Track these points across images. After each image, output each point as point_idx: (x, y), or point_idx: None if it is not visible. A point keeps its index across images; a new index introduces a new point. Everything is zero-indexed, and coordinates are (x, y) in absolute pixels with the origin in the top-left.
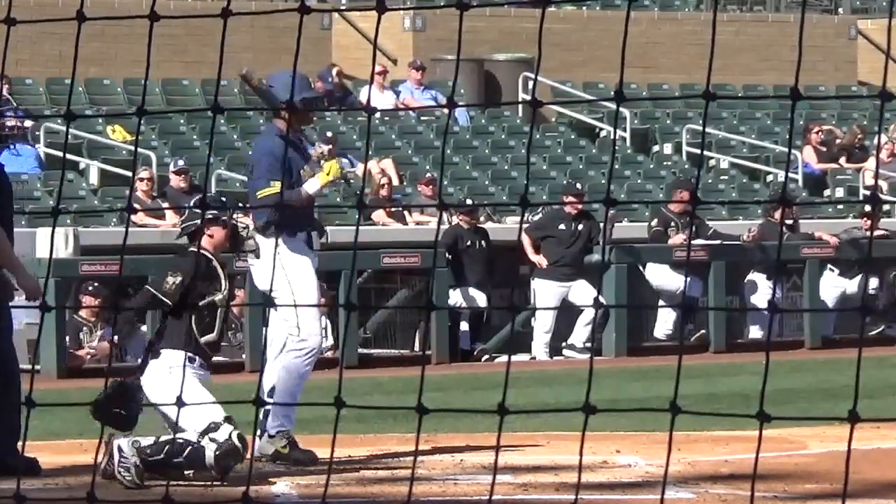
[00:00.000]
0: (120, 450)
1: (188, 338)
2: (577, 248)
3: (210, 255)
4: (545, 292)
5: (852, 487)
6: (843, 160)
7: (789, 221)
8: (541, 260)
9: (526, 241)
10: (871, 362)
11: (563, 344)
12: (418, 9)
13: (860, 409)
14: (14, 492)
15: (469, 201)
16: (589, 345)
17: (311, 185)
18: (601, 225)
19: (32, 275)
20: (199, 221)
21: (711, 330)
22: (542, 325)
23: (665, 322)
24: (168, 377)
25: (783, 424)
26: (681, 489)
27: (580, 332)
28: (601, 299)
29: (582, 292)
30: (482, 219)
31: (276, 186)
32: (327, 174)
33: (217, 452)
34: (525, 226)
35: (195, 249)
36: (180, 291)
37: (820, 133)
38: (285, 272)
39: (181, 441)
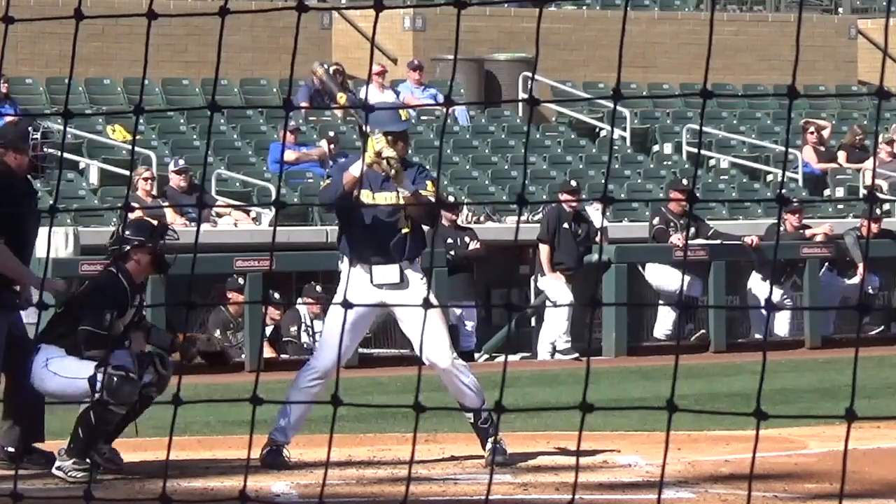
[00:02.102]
0: (59, 468)
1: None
2: (579, 248)
3: (125, 283)
4: (559, 291)
5: (853, 487)
6: (842, 160)
7: (795, 221)
8: (557, 277)
9: (544, 253)
10: (871, 362)
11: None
12: (417, 7)
13: (860, 409)
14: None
15: (451, 198)
16: (568, 345)
17: (354, 168)
18: (597, 225)
19: (52, 279)
20: (125, 246)
21: (711, 330)
22: (559, 325)
23: (665, 322)
24: (45, 369)
25: (783, 424)
26: (681, 489)
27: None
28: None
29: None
30: (482, 218)
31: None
32: (371, 155)
33: (104, 392)
34: (528, 227)
35: (114, 271)
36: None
37: (815, 133)
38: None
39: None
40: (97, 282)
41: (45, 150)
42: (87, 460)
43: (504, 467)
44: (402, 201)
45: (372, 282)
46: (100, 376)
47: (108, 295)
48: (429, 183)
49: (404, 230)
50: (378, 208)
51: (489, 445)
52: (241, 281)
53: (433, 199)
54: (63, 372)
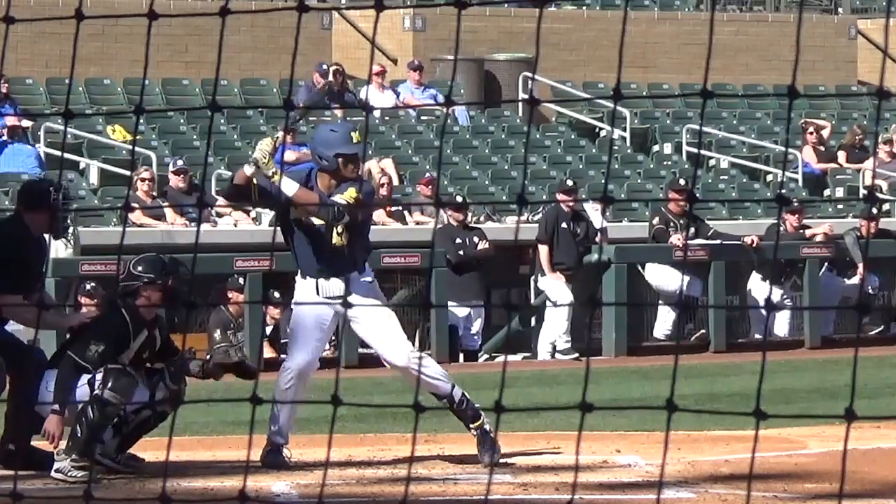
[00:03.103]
0: (58, 470)
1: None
2: (579, 248)
3: (128, 319)
4: (559, 291)
5: (852, 487)
6: (842, 160)
7: (795, 221)
8: (557, 277)
9: (543, 253)
10: (871, 362)
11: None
12: (417, 7)
13: (860, 409)
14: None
15: (459, 198)
16: (568, 345)
17: (246, 167)
18: (595, 225)
19: (66, 314)
20: (136, 283)
21: (711, 330)
22: (559, 325)
23: (665, 322)
24: (48, 392)
25: (782, 424)
26: (681, 489)
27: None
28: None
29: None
30: (482, 218)
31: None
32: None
33: (102, 388)
34: (528, 227)
35: (119, 305)
36: (102, 358)
37: (814, 133)
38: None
39: (82, 412)
40: (102, 314)
41: (64, 211)
42: (87, 459)
43: (502, 466)
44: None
45: (318, 294)
46: (98, 375)
47: (103, 329)
48: (351, 189)
49: (336, 243)
50: (306, 221)
51: (473, 431)
52: (241, 280)
53: (348, 202)
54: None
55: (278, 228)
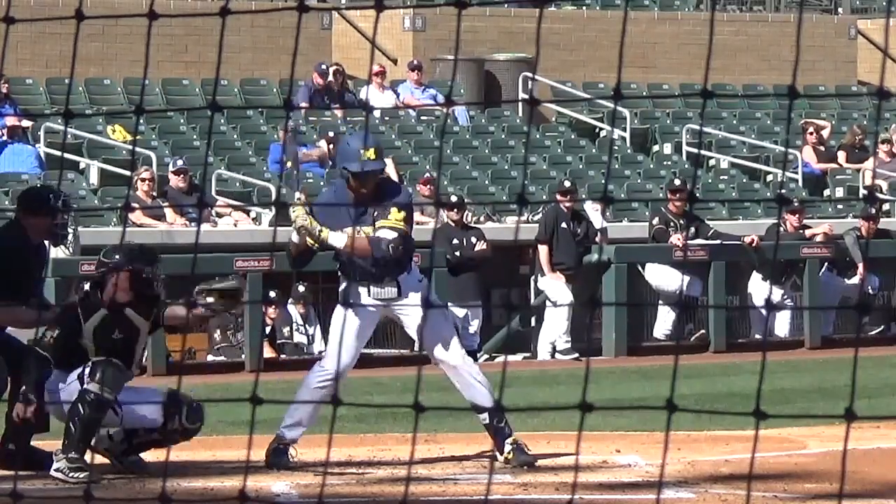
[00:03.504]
0: (58, 470)
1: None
2: (578, 248)
3: (80, 314)
4: (559, 291)
5: (852, 487)
6: (842, 160)
7: (795, 221)
8: (557, 277)
9: (543, 253)
10: (871, 362)
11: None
12: (418, 7)
13: (860, 409)
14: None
15: (454, 198)
16: (568, 346)
17: (294, 236)
18: (595, 225)
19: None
20: (104, 271)
21: (711, 330)
22: (559, 325)
23: (665, 322)
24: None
25: (782, 424)
26: (681, 489)
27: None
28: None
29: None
30: (482, 218)
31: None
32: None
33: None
34: (528, 227)
35: (81, 297)
36: (60, 342)
37: (814, 134)
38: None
39: (74, 409)
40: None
41: (64, 217)
42: (84, 458)
43: (531, 467)
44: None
45: (369, 296)
46: (87, 369)
47: (59, 321)
48: (393, 210)
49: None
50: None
51: (508, 447)
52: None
53: (397, 228)
54: (59, 390)
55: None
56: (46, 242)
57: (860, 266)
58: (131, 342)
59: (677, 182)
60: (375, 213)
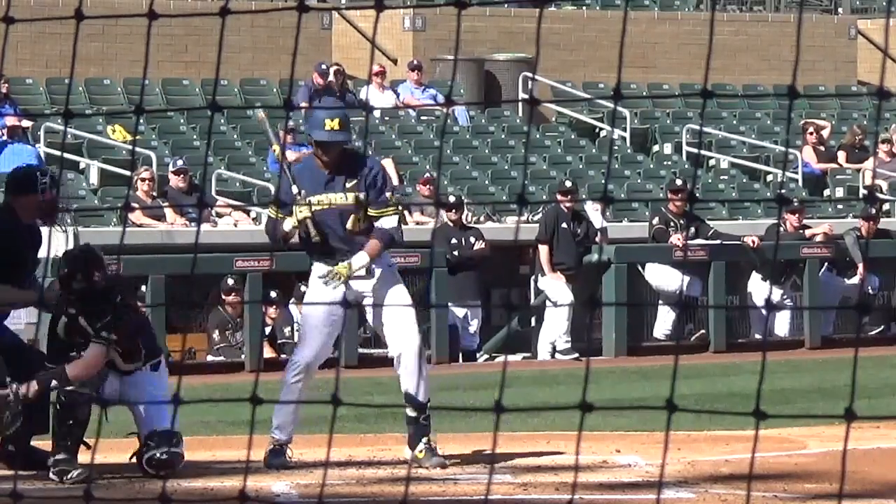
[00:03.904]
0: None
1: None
2: (578, 248)
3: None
4: (559, 291)
5: (853, 487)
6: (842, 160)
7: (795, 221)
8: (558, 277)
9: (543, 253)
10: (871, 362)
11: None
12: (417, 7)
13: (860, 409)
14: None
15: (452, 198)
16: (568, 346)
17: (286, 224)
18: (595, 225)
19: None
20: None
21: (711, 330)
22: (560, 325)
23: (664, 322)
24: None
25: (782, 424)
26: (681, 489)
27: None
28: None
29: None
30: (482, 218)
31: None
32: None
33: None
34: (528, 227)
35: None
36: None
37: (814, 134)
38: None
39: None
40: None
41: (53, 193)
42: (73, 458)
43: (440, 469)
44: (350, 200)
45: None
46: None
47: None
48: (387, 195)
49: (354, 228)
50: (328, 210)
51: (422, 445)
52: (230, 282)
53: (396, 217)
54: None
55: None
56: (41, 228)
57: (860, 266)
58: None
59: (678, 182)
60: (347, 183)
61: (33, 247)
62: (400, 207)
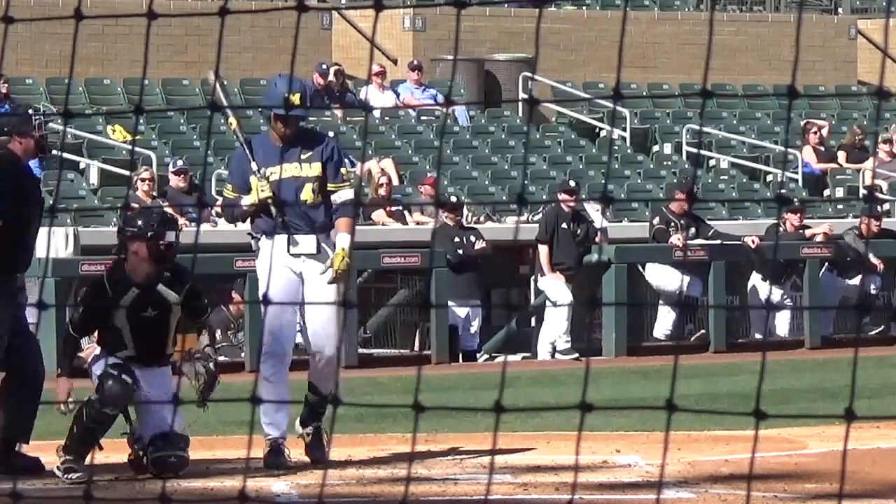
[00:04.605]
0: (57, 468)
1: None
2: (578, 248)
3: (105, 283)
4: (558, 291)
5: (853, 487)
6: (842, 160)
7: (796, 221)
8: (557, 277)
9: (543, 253)
10: (871, 362)
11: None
12: (417, 7)
13: (860, 409)
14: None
15: (454, 199)
16: (568, 345)
17: (245, 200)
18: (596, 225)
19: None
20: (122, 239)
21: (711, 330)
22: (559, 325)
23: (665, 322)
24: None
25: (782, 424)
26: (681, 489)
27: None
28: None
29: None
30: (482, 218)
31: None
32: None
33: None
34: (527, 226)
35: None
36: (83, 321)
37: (817, 134)
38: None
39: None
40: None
41: (45, 130)
42: (81, 461)
43: (322, 462)
44: (305, 171)
45: (289, 251)
46: (97, 367)
47: (84, 294)
48: (342, 171)
49: (308, 201)
50: (283, 181)
51: (310, 429)
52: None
53: (352, 190)
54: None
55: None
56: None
57: (876, 264)
58: (164, 319)
59: (685, 181)
60: (302, 155)
61: (35, 185)
62: (353, 180)
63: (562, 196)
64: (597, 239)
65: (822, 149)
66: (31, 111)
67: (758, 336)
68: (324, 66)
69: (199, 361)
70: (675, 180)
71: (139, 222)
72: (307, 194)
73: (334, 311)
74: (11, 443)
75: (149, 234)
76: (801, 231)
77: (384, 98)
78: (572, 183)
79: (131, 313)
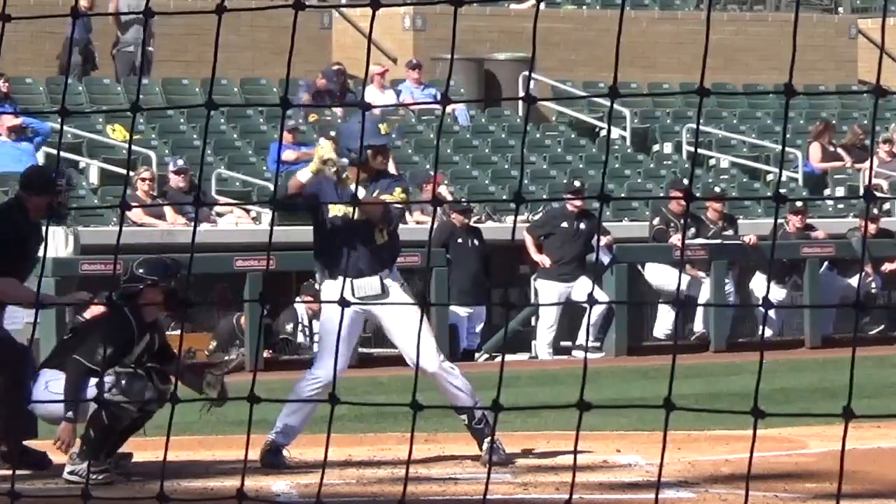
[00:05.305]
0: (73, 472)
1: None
2: (578, 247)
3: (133, 323)
4: (548, 292)
5: (853, 487)
6: (845, 159)
7: (798, 222)
8: (543, 259)
9: (528, 240)
10: (871, 362)
11: (570, 345)
12: (416, 5)
13: (860, 409)
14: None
15: (464, 201)
16: (597, 344)
17: (301, 173)
18: (602, 224)
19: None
20: (140, 286)
21: (711, 330)
22: (546, 323)
23: (665, 321)
24: (46, 391)
25: (781, 423)
26: (681, 489)
27: (587, 332)
28: (604, 296)
29: (585, 290)
30: (482, 218)
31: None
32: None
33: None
34: (526, 225)
35: (125, 310)
36: (109, 361)
37: (826, 133)
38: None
39: (96, 415)
40: (107, 316)
41: (67, 196)
42: (101, 461)
43: (503, 466)
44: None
45: (353, 295)
46: (108, 379)
47: (111, 332)
48: (398, 189)
49: (379, 242)
50: (344, 218)
51: (486, 445)
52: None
53: (396, 205)
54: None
55: (298, 227)
56: (44, 229)
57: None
58: (163, 348)
59: (686, 182)
60: (376, 193)
61: (38, 243)
62: (403, 204)
63: (567, 196)
64: (602, 243)
65: (832, 148)
66: (55, 174)
67: (770, 331)
68: (333, 68)
69: (216, 374)
70: (674, 179)
71: (157, 272)
72: (378, 237)
73: (417, 326)
74: (21, 439)
75: (163, 284)
76: (805, 232)
77: (385, 97)
78: (577, 183)
79: (139, 355)
